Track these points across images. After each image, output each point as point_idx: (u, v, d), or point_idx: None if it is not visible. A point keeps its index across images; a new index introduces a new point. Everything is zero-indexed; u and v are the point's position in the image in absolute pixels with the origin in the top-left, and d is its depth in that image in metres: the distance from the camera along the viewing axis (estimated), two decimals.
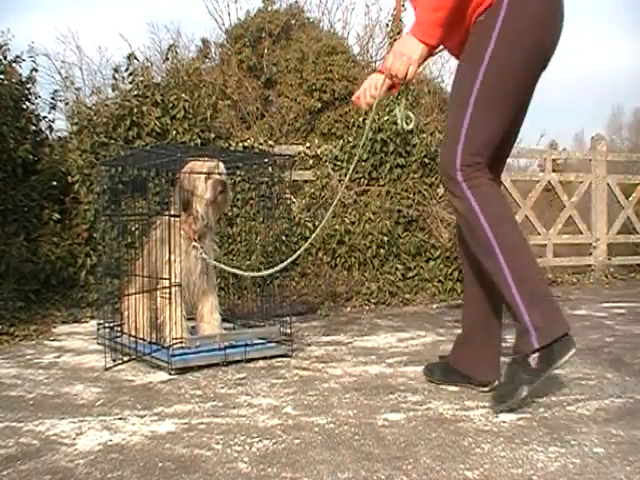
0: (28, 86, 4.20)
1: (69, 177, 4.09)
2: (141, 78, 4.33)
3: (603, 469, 1.40)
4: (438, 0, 1.81)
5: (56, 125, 4.40)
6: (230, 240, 4.23)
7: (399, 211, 4.61)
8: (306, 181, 4.82)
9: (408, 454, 1.51)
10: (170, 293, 2.41)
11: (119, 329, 2.76)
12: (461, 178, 1.87)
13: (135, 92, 4.30)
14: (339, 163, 4.81)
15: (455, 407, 1.88)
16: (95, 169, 3.96)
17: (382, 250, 4.43)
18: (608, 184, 5.95)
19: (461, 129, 1.88)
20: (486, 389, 2.04)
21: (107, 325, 2.89)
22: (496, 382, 2.04)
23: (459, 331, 3.15)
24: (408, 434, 1.65)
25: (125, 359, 2.55)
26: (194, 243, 2.56)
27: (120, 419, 1.80)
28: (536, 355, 1.80)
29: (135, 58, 4.43)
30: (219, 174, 2.57)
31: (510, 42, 1.85)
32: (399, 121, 2.06)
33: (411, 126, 2.05)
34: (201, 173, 2.53)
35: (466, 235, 1.96)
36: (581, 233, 5.90)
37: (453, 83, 2.04)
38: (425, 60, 1.99)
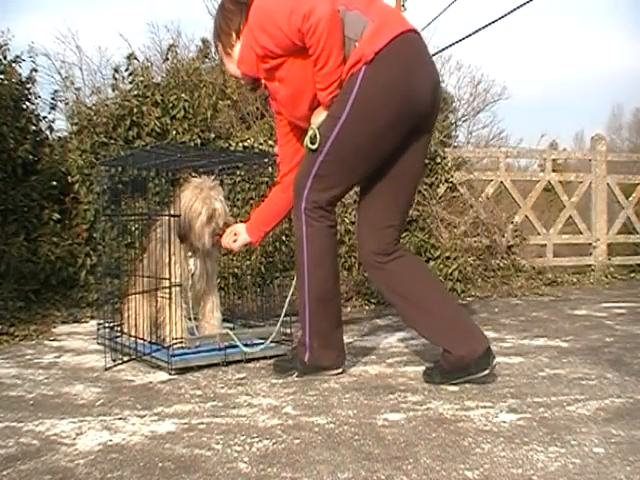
0: (28, 86, 4.20)
1: (69, 177, 4.09)
2: (141, 78, 4.33)
3: (603, 469, 1.40)
4: (330, 82, 2.05)
5: (56, 125, 4.41)
6: None
7: None
8: None
9: (408, 454, 1.51)
10: (170, 293, 2.41)
11: (119, 329, 2.76)
12: (304, 209, 2.14)
13: (135, 92, 4.30)
14: None
15: (455, 407, 1.88)
16: (95, 169, 3.97)
17: None
18: (608, 184, 5.95)
19: (311, 172, 2.13)
20: (487, 372, 2.09)
21: (107, 325, 2.89)
22: (495, 361, 2.11)
23: None
24: (408, 434, 1.65)
25: (125, 359, 2.55)
26: (190, 253, 2.55)
27: (120, 419, 1.80)
28: (307, 364, 2.23)
29: (135, 58, 4.44)
30: (217, 220, 2.50)
31: (363, 110, 2.03)
32: (307, 139, 2.13)
33: (314, 147, 2.10)
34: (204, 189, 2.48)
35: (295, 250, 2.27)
36: (581, 233, 5.90)
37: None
38: None
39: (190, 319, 2.58)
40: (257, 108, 6.23)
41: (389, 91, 2.02)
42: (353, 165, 2.12)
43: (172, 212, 2.48)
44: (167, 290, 2.42)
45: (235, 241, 2.50)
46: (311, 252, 2.17)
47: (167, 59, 4.73)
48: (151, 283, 2.58)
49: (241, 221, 2.61)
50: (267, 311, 2.91)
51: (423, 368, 2.28)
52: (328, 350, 2.24)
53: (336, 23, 1.98)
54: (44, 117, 4.30)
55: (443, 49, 8.02)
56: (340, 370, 2.28)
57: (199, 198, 2.48)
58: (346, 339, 2.98)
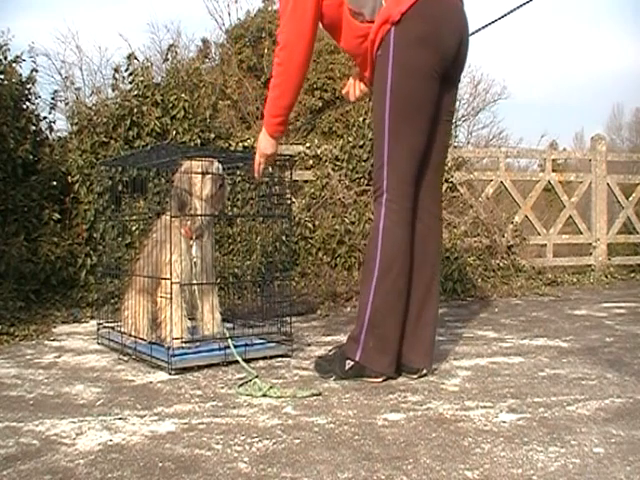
0: (28, 86, 4.20)
1: (69, 177, 4.09)
2: (141, 78, 4.33)
3: (603, 469, 1.40)
4: (277, 110, 2.24)
5: (56, 125, 4.41)
6: (230, 240, 4.23)
7: None
8: (306, 181, 4.82)
9: (408, 454, 1.51)
10: (171, 293, 2.41)
11: (119, 329, 2.76)
12: (385, 201, 2.13)
13: (135, 92, 4.30)
14: (339, 163, 4.82)
15: (455, 407, 1.88)
16: (95, 169, 3.97)
17: None
18: (608, 184, 5.95)
19: (383, 156, 2.14)
20: (415, 376, 2.20)
21: (107, 325, 2.89)
22: (424, 371, 2.23)
23: (459, 331, 3.17)
24: (408, 434, 1.65)
25: (125, 359, 2.55)
26: (191, 242, 2.56)
27: (120, 419, 1.80)
28: (352, 363, 2.16)
29: (135, 58, 4.43)
30: (215, 172, 2.56)
31: (404, 66, 2.09)
32: (258, 388, 2.07)
33: (259, 394, 2.03)
34: (196, 173, 2.52)
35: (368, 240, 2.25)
36: (581, 233, 5.90)
37: (372, 111, 2.30)
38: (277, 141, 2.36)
39: (191, 319, 2.59)
40: (257, 108, 6.24)
41: (421, 47, 2.08)
42: (412, 126, 2.13)
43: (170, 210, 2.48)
44: (167, 290, 2.42)
45: (263, 157, 2.36)
46: (386, 247, 2.12)
47: (167, 59, 4.72)
48: (151, 283, 2.59)
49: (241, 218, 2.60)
50: (267, 311, 2.91)
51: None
52: (382, 355, 2.14)
53: (302, 10, 2.11)
54: (44, 117, 4.30)
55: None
56: (380, 380, 2.16)
57: (194, 162, 2.55)
58: (346, 339, 2.98)
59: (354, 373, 2.17)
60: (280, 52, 2.16)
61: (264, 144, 2.33)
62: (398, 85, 2.09)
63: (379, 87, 2.14)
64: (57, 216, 3.99)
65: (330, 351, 2.34)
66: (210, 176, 2.54)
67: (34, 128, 4.18)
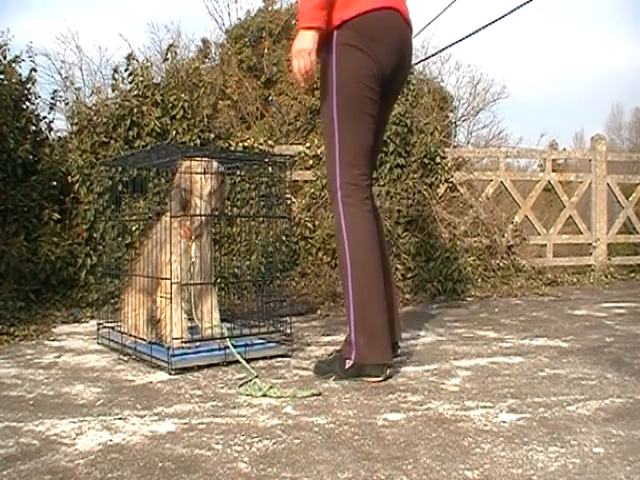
0: (28, 86, 4.20)
1: (69, 177, 4.10)
2: (141, 78, 4.33)
3: (603, 469, 1.40)
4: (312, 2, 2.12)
5: (56, 125, 4.41)
6: (230, 240, 4.23)
7: (399, 211, 4.61)
8: (306, 181, 4.82)
9: (408, 454, 1.51)
10: (171, 293, 2.41)
11: (119, 329, 2.76)
12: (340, 197, 2.18)
13: (135, 92, 4.30)
14: None
15: (455, 407, 1.88)
16: (95, 169, 3.97)
17: None
18: (608, 184, 5.95)
19: (335, 154, 2.19)
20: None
21: (107, 325, 2.89)
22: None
23: (459, 331, 3.17)
24: (408, 434, 1.65)
25: (125, 359, 2.55)
26: (190, 242, 2.56)
27: (120, 419, 1.80)
28: (351, 363, 2.18)
29: (134, 59, 4.43)
30: (215, 170, 2.59)
31: (346, 66, 2.16)
32: (258, 388, 2.07)
33: (259, 393, 2.03)
34: (197, 173, 2.53)
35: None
36: (581, 233, 5.90)
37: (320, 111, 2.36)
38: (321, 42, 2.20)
39: (190, 319, 2.59)
40: (257, 108, 6.24)
41: (358, 51, 2.15)
42: (359, 123, 2.19)
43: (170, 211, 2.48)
44: (167, 290, 2.42)
45: (302, 52, 2.14)
46: (352, 242, 2.15)
47: (167, 59, 4.72)
48: (151, 283, 2.59)
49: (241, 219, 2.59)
50: (267, 311, 2.91)
51: (423, 368, 2.27)
52: (373, 347, 2.16)
53: None
54: (44, 117, 4.30)
55: (443, 49, 8.01)
56: (381, 378, 2.18)
57: (193, 162, 2.57)
58: None
59: (354, 372, 2.19)
60: None
61: (300, 40, 2.12)
62: (342, 84, 2.17)
63: (325, 87, 2.22)
64: (57, 216, 3.99)
65: (330, 355, 2.35)
66: (212, 179, 2.55)
67: (34, 128, 4.18)
